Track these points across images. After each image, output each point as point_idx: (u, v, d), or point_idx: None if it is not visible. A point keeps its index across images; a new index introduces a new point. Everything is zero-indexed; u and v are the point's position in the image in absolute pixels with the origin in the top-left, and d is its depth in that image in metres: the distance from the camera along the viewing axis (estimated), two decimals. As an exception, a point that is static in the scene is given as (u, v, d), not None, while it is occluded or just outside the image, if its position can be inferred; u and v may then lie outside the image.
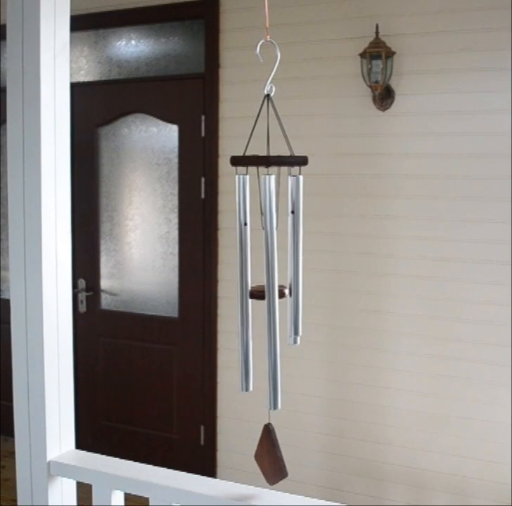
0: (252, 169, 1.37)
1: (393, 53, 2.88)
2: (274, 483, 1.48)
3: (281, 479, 1.47)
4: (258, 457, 1.50)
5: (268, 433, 1.47)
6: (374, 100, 2.95)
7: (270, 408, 1.40)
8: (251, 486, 1.57)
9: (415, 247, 2.96)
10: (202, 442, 3.59)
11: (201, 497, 1.54)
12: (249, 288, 1.41)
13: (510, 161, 2.76)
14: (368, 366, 3.10)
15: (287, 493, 1.55)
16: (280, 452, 1.46)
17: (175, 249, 3.60)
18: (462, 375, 2.92)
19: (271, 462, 1.47)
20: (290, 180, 1.42)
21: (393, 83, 2.92)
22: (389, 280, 3.02)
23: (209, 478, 1.63)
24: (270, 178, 1.34)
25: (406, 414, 3.04)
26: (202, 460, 3.58)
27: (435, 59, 2.85)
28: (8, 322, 1.71)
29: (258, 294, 1.39)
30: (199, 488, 1.57)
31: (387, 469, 3.10)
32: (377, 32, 2.87)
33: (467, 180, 2.85)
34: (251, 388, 1.45)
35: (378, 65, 2.84)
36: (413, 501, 3.05)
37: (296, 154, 1.40)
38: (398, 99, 2.93)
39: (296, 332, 1.46)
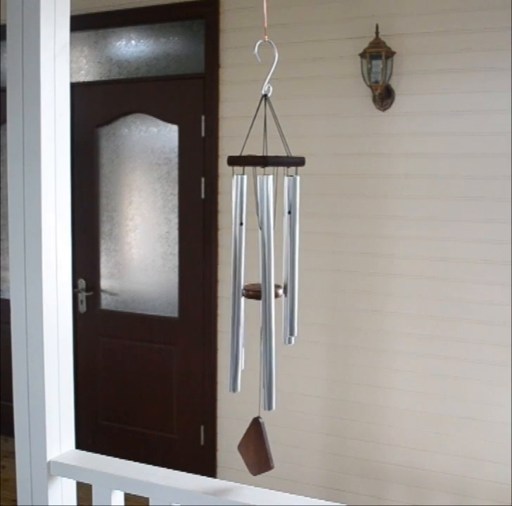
0: (250, 170, 1.36)
1: (393, 53, 2.88)
2: (257, 474, 1.50)
3: (266, 471, 1.49)
4: (243, 447, 1.52)
5: (257, 425, 1.49)
6: (374, 100, 2.95)
7: (265, 409, 1.40)
8: (251, 486, 1.57)
9: (415, 247, 2.96)
10: (202, 442, 3.59)
11: (201, 497, 1.54)
12: (242, 288, 1.41)
13: (510, 162, 2.76)
14: (368, 366, 3.10)
15: (286, 493, 1.55)
16: (268, 444, 1.48)
17: (175, 249, 3.60)
18: (462, 375, 2.92)
19: (257, 453, 1.49)
20: (287, 180, 1.42)
21: (393, 83, 2.92)
22: (389, 280, 3.02)
23: (209, 478, 1.63)
24: (267, 179, 1.34)
25: (406, 414, 3.04)
26: (202, 460, 3.58)
27: (435, 59, 2.85)
28: (8, 322, 1.72)
29: (254, 294, 1.39)
30: (199, 488, 1.57)
31: (387, 469, 3.10)
32: (377, 32, 2.87)
33: (467, 180, 2.85)
34: (239, 388, 1.45)
35: (378, 65, 2.84)
36: (413, 501, 3.05)
37: (295, 154, 1.40)
38: (398, 99, 2.93)
39: (291, 333, 1.47)
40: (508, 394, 2.83)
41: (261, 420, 1.49)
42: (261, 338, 1.39)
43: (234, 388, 1.45)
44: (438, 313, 2.94)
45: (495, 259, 2.82)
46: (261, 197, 1.35)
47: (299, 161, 1.38)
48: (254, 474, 1.51)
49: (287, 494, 1.55)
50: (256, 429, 1.50)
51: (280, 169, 1.39)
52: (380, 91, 2.89)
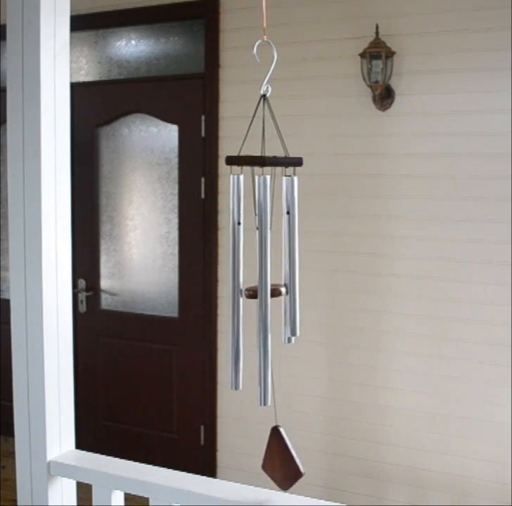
0: (249, 170, 1.37)
1: (393, 53, 2.88)
2: (289, 487, 1.47)
3: (297, 480, 1.46)
4: (268, 464, 1.49)
5: (278, 435, 1.47)
6: (374, 100, 2.95)
7: (260, 404, 1.40)
8: (251, 486, 1.57)
9: (415, 247, 2.96)
10: (202, 442, 3.59)
11: (201, 497, 1.54)
12: (241, 287, 1.41)
13: (510, 161, 2.76)
14: (368, 366, 3.10)
15: (286, 493, 1.55)
16: (292, 451, 1.46)
17: (175, 249, 3.60)
18: (462, 375, 2.92)
19: (284, 465, 1.46)
20: (285, 180, 1.42)
21: (393, 83, 2.92)
22: (389, 280, 3.02)
23: (209, 478, 1.63)
24: (265, 179, 1.34)
25: (406, 414, 3.04)
26: (202, 460, 3.58)
27: (435, 59, 2.85)
28: (8, 322, 1.72)
29: (254, 294, 1.39)
30: (199, 488, 1.57)
31: (387, 469, 3.10)
32: (377, 32, 2.87)
33: (467, 180, 2.85)
34: (241, 386, 1.45)
35: (378, 65, 2.84)
36: (413, 501, 3.05)
37: (295, 154, 1.40)
38: (398, 99, 2.93)
39: (293, 333, 1.46)
40: (508, 394, 2.83)
41: (280, 428, 1.48)
42: (257, 336, 1.39)
43: (236, 386, 1.45)
44: (438, 313, 2.94)
45: (495, 259, 2.82)
46: (258, 197, 1.35)
47: (296, 162, 1.38)
48: (287, 489, 1.48)
49: (286, 494, 1.55)
50: (276, 439, 1.47)
51: (279, 169, 1.39)
52: (380, 91, 2.89)
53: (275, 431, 1.48)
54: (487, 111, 2.79)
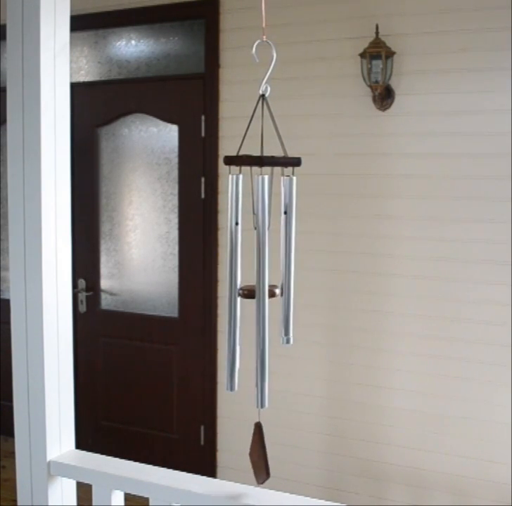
0: (247, 170, 1.37)
1: (393, 53, 2.88)
2: (261, 483, 1.48)
3: (265, 480, 1.47)
4: (252, 455, 1.51)
5: (258, 431, 1.48)
6: (374, 100, 2.95)
7: (257, 406, 1.40)
8: (251, 486, 1.57)
9: (415, 247, 2.96)
10: (202, 442, 3.59)
11: (201, 497, 1.54)
12: (238, 287, 1.41)
13: (510, 162, 2.76)
14: (368, 366, 3.10)
15: (286, 493, 1.55)
16: (265, 452, 1.46)
17: (175, 249, 3.60)
18: (462, 375, 2.92)
19: (259, 461, 1.48)
20: (283, 180, 1.42)
21: (393, 83, 2.92)
22: (389, 280, 3.02)
23: (209, 478, 1.63)
24: (263, 179, 1.34)
25: (406, 414, 3.04)
26: (202, 460, 3.58)
27: (435, 59, 2.85)
28: (8, 322, 1.72)
29: (249, 293, 1.39)
30: (199, 488, 1.57)
31: (387, 469, 3.10)
32: (377, 32, 2.87)
33: (467, 180, 2.85)
34: (236, 388, 1.45)
35: (378, 65, 2.84)
36: (413, 501, 3.05)
37: (295, 154, 1.40)
38: (398, 99, 2.93)
39: (286, 333, 1.47)
40: (508, 394, 2.83)
41: (259, 425, 1.48)
42: (255, 337, 1.40)
43: (231, 387, 1.45)
44: (438, 313, 2.94)
45: (495, 259, 2.82)
46: (257, 197, 1.35)
47: (295, 162, 1.38)
48: (259, 484, 1.49)
49: (287, 494, 1.55)
50: (257, 434, 1.48)
51: (278, 169, 1.39)
52: (380, 91, 2.89)
53: (256, 428, 1.48)
54: (487, 111, 2.79)
